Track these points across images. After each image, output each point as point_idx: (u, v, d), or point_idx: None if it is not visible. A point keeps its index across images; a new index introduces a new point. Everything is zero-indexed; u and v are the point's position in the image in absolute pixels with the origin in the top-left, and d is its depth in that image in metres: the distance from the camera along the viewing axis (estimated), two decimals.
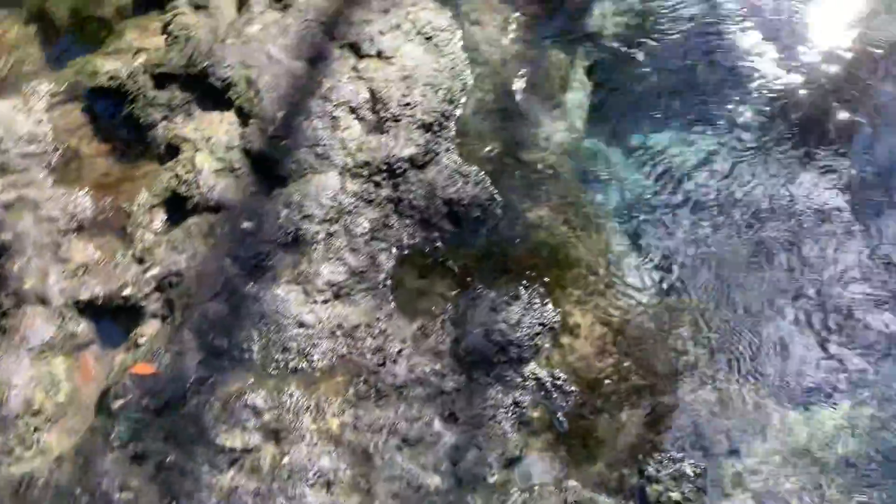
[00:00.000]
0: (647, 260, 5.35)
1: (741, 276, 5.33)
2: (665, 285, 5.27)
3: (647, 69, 6.21)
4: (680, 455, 4.68)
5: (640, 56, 6.24)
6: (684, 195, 5.64)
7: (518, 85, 5.98)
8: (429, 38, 5.68)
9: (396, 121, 5.35)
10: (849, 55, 6.27)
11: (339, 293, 4.89)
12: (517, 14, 6.30)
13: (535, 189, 5.44)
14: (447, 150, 5.40)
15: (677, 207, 5.58)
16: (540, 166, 5.55)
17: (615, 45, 6.36)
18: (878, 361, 5.07)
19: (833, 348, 5.12)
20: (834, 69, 6.22)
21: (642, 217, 5.56)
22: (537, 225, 5.30)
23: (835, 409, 4.95)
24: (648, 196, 5.66)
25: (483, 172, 5.37)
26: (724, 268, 5.34)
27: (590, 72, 6.30)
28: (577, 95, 6.14)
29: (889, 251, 5.47)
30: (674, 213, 5.56)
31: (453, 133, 5.49)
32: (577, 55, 6.39)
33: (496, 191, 5.32)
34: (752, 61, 6.26)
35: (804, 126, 5.96)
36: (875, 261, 5.41)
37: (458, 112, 5.57)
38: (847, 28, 6.45)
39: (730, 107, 6.04)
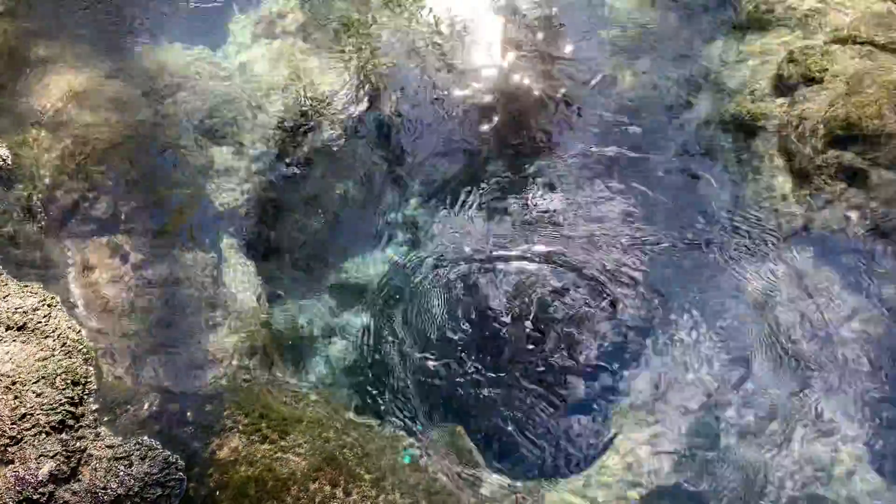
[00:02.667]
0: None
1: None
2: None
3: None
4: None
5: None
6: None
7: (162, 316, 5.30)
8: (23, 327, 4.86)
9: (18, 442, 4.44)
10: None
11: None
12: (124, 237, 5.64)
13: (217, 420, 4.74)
14: (95, 437, 4.57)
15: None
16: (211, 391, 4.85)
17: (249, 221, 5.90)
18: None
19: None
20: None
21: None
22: (233, 461, 4.59)
23: None
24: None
25: (149, 437, 4.58)
26: None
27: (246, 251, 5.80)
28: (242, 282, 5.57)
29: None
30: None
31: (96, 413, 4.66)
32: (223, 242, 5.82)
33: (170, 452, 4.53)
34: None
35: None
36: None
37: (93, 385, 4.75)
38: None
39: None
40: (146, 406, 4.74)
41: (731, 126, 6.13)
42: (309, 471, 4.47)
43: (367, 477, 4.50)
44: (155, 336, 5.18)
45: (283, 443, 4.60)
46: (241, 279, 5.70)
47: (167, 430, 4.61)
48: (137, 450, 4.47)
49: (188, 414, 4.75)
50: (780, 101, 6.13)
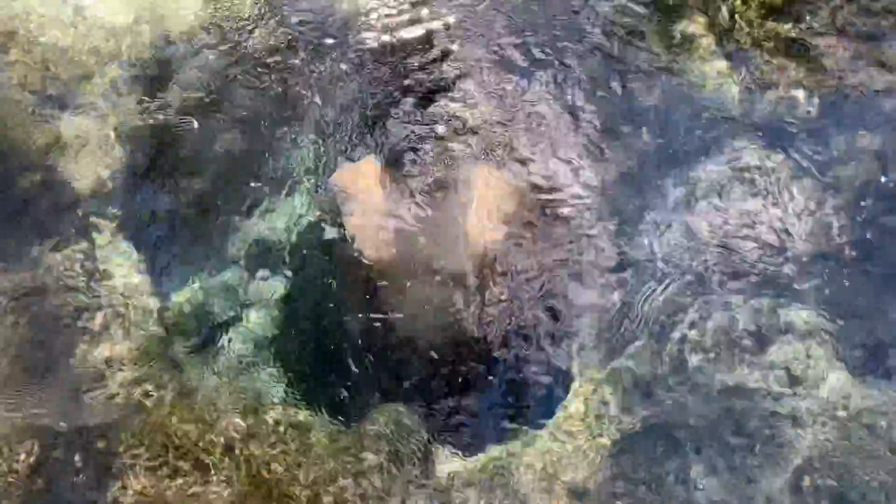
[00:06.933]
0: None
1: None
2: None
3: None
4: None
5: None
6: None
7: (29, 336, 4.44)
8: None
9: None
10: None
11: None
12: None
13: (114, 458, 4.02)
14: None
15: None
16: (101, 421, 4.09)
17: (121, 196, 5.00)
18: None
19: None
20: None
21: None
22: None
23: None
24: None
25: (28, 502, 3.80)
26: None
27: None
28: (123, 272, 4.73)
29: None
30: None
31: None
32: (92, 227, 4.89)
33: None
34: None
35: None
36: None
37: None
38: None
39: None
40: (21, 459, 3.93)
41: (651, 6, 5.39)
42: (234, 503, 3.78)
43: (302, 496, 3.84)
44: (22, 363, 4.32)
45: (198, 472, 3.89)
46: (121, 267, 4.85)
47: (52, 487, 3.85)
48: None
49: (76, 458, 3.96)
50: None
